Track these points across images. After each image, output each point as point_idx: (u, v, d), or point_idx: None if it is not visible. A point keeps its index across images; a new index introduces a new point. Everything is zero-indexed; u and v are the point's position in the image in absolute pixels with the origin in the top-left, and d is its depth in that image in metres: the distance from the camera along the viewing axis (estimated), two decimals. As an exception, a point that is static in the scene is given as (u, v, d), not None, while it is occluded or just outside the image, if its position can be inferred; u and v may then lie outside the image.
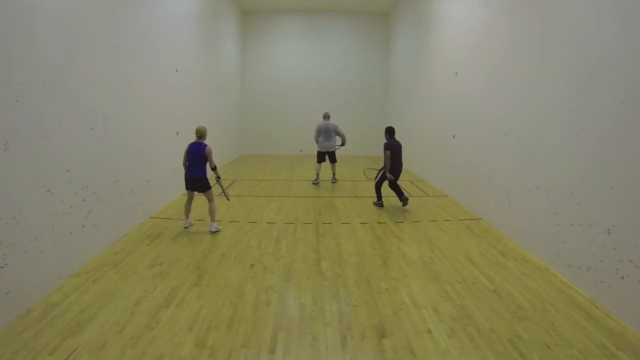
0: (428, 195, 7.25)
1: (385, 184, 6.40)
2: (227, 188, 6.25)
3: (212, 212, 4.99)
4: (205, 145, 4.89)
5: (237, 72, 12.14)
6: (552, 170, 4.05)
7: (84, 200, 3.91)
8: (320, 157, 8.26)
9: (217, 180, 5.07)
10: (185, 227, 5.06)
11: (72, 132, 3.73)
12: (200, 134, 4.93)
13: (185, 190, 5.12)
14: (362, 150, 13.07)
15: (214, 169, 4.97)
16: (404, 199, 6.25)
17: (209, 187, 5.00)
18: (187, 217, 5.12)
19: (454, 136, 7.03)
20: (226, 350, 2.64)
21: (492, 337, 2.83)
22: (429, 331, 2.90)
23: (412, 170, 9.87)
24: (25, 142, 3.11)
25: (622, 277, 3.07)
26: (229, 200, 5.75)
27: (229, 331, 2.85)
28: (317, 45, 12.82)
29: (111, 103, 4.46)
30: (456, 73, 6.90)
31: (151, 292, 3.40)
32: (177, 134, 6.77)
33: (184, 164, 4.97)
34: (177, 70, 6.67)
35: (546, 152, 4.17)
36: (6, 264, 2.87)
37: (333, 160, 8.31)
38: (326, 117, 8.27)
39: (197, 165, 4.88)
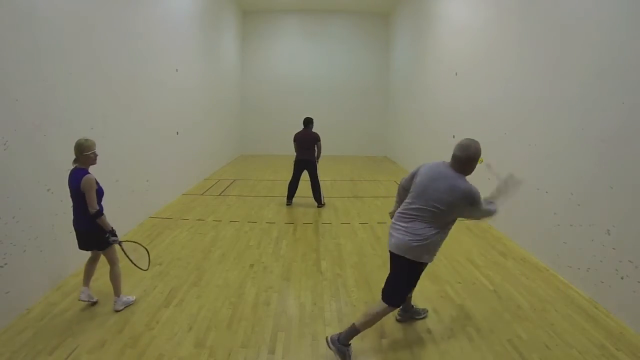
0: (428, 196, 7.23)
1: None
2: (226, 188, 6.05)
3: (115, 280, 3.10)
4: (85, 173, 2.83)
5: (237, 72, 12.14)
6: (552, 170, 4.05)
7: (84, 200, 3.91)
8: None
9: (113, 241, 2.99)
10: (81, 300, 3.08)
11: (72, 132, 3.72)
12: (76, 152, 2.88)
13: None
14: (362, 150, 13.08)
15: (94, 215, 2.85)
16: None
17: (106, 243, 3.00)
18: (85, 284, 3.14)
19: (454, 136, 7.02)
20: (226, 350, 2.64)
21: (491, 337, 2.83)
22: (429, 331, 2.90)
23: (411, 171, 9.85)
24: (25, 142, 3.11)
25: (622, 278, 3.07)
26: (145, 268, 3.32)
27: (229, 331, 2.85)
28: (317, 45, 12.81)
29: (111, 103, 4.47)
30: (456, 73, 6.90)
31: (151, 292, 3.40)
32: (177, 133, 6.78)
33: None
34: (177, 70, 6.67)
35: (546, 152, 4.16)
36: (6, 264, 2.87)
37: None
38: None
39: (78, 209, 2.93)
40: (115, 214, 4.51)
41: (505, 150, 5.03)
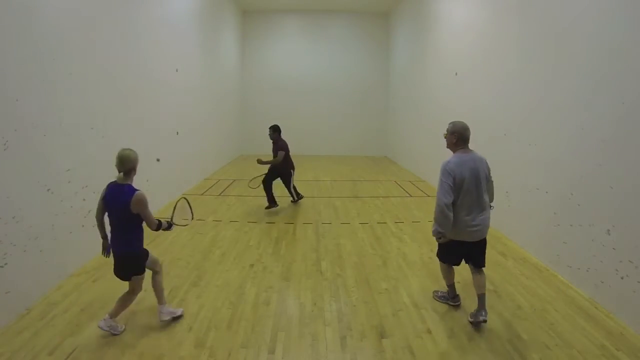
0: (428, 196, 7.24)
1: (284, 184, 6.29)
2: (226, 188, 5.98)
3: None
4: (134, 191, 2.65)
5: (237, 72, 12.14)
6: (552, 170, 4.05)
7: (84, 200, 3.91)
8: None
9: (171, 225, 2.93)
10: (113, 333, 2.75)
11: (72, 132, 3.73)
12: (128, 165, 2.69)
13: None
14: (363, 150, 13.08)
15: (157, 228, 2.78)
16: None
17: (142, 270, 2.82)
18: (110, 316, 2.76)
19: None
20: (226, 350, 2.64)
21: (491, 337, 2.83)
22: (429, 331, 2.90)
23: (412, 171, 9.87)
24: (25, 142, 3.11)
25: (622, 278, 3.07)
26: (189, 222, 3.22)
27: (229, 331, 2.85)
28: (317, 45, 12.82)
29: (111, 103, 4.46)
30: (456, 73, 6.90)
31: (151, 292, 3.37)
32: (177, 133, 6.78)
33: (98, 218, 2.82)
34: (177, 70, 6.67)
35: (546, 153, 4.17)
36: (6, 264, 2.87)
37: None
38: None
39: (120, 229, 2.71)
40: (115, 214, 4.54)
41: (505, 150, 5.04)
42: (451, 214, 2.83)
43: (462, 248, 3.00)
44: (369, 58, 12.91)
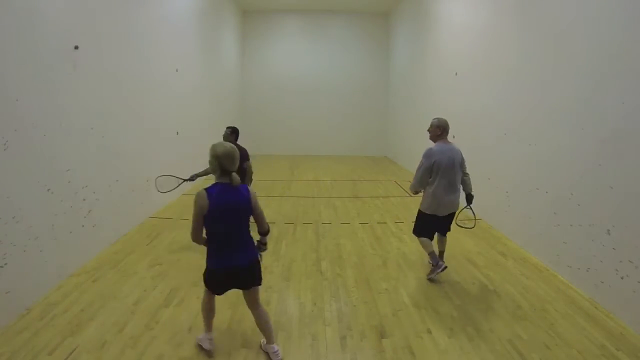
0: (428, 196, 7.24)
1: None
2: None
3: (268, 323, 2.55)
4: (246, 187, 2.40)
5: (237, 72, 12.13)
6: (552, 170, 4.05)
7: (84, 200, 3.91)
8: None
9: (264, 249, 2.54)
10: (209, 349, 2.57)
11: (72, 132, 3.73)
12: (238, 161, 2.39)
13: (210, 290, 2.54)
14: (362, 150, 13.08)
15: (266, 232, 2.50)
16: None
17: (261, 276, 2.50)
18: (208, 329, 2.62)
19: (453, 136, 7.01)
20: (226, 350, 2.63)
21: (491, 337, 2.83)
22: (429, 331, 2.90)
23: (412, 171, 9.85)
24: (25, 142, 3.11)
25: (622, 278, 3.07)
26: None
27: (229, 331, 2.85)
28: (317, 45, 12.81)
29: (111, 103, 4.46)
30: (456, 73, 6.90)
31: (151, 292, 3.40)
32: (177, 133, 6.79)
33: (198, 239, 2.34)
34: (177, 70, 6.67)
35: (546, 152, 4.17)
36: (6, 264, 2.87)
37: None
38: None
39: (243, 236, 2.38)
40: (115, 213, 4.55)
41: (505, 150, 5.04)
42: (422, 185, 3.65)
43: (435, 222, 3.64)
44: (369, 58, 12.90)
